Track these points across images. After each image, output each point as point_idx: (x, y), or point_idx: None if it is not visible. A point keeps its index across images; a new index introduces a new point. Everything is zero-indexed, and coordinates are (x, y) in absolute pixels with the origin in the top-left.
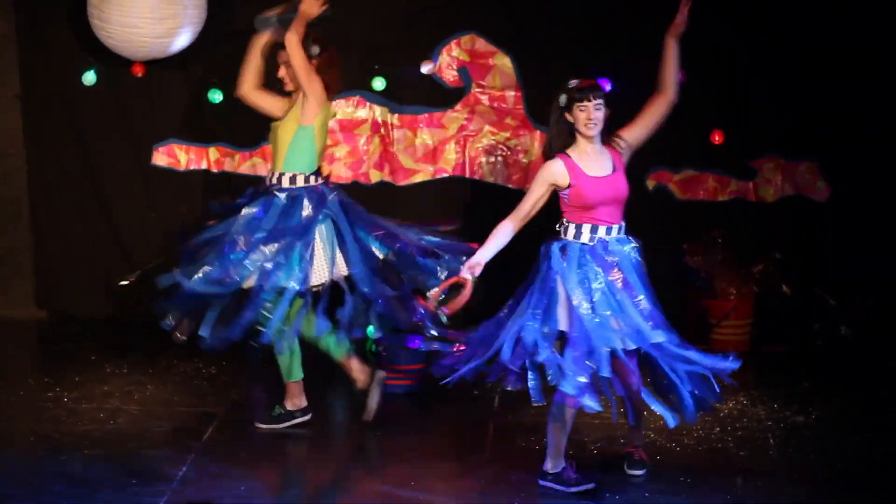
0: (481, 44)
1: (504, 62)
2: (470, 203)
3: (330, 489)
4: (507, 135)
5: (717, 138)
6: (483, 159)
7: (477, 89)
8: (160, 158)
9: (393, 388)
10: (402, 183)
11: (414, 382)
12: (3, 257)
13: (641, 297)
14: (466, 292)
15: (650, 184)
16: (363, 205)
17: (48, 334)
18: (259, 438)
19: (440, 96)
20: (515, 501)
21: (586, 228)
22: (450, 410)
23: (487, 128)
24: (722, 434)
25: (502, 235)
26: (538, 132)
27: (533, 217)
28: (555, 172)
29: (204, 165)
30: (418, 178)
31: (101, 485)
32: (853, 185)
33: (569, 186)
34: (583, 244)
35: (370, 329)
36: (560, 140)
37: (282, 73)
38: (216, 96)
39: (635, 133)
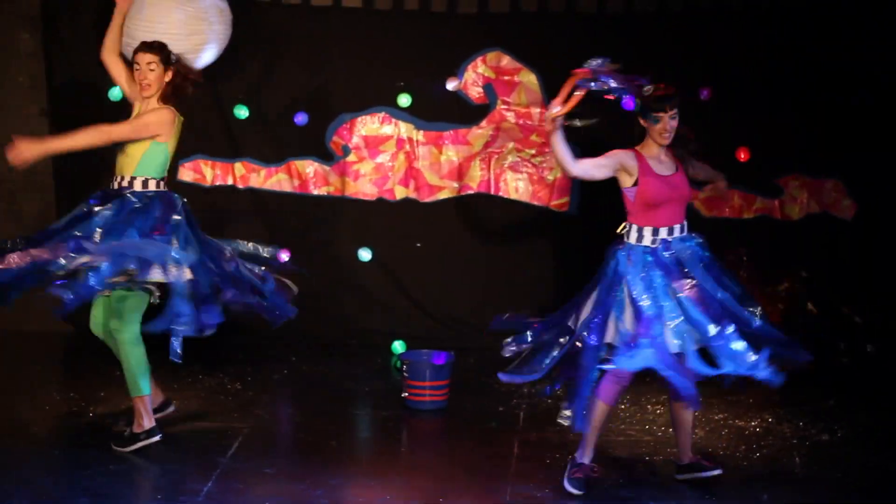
0: (507, 60)
1: (529, 79)
2: (495, 220)
3: None
4: (533, 152)
5: (742, 156)
6: (508, 176)
7: (502, 106)
8: (186, 174)
9: (419, 405)
10: (427, 199)
11: (440, 399)
12: None
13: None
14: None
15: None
16: (390, 221)
17: (74, 348)
18: (284, 453)
19: (465, 113)
20: None
21: (648, 231)
22: (475, 427)
23: (513, 144)
24: (747, 452)
25: (566, 158)
26: None
27: (584, 181)
28: (625, 157)
29: (230, 181)
30: (443, 195)
31: (125, 500)
32: (879, 203)
33: (635, 184)
34: (645, 247)
35: (395, 346)
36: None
37: (140, 76)
38: (242, 112)
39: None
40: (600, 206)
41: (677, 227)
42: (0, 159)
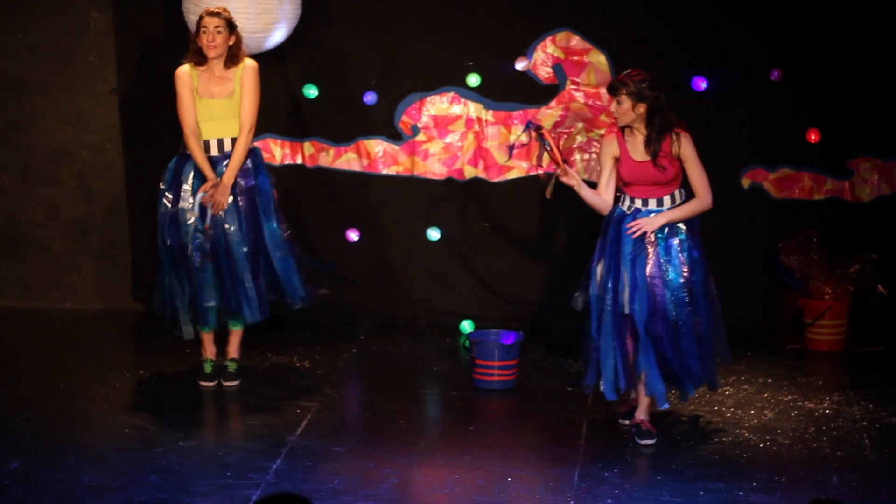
0: (576, 41)
1: (599, 59)
2: (563, 199)
3: (423, 483)
4: (602, 132)
5: (813, 137)
6: (577, 156)
7: (571, 86)
8: None
9: (487, 384)
10: (496, 179)
11: (508, 378)
12: (101, 251)
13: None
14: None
15: (745, 182)
16: (458, 200)
17: (144, 327)
18: (353, 432)
19: (535, 93)
20: (609, 499)
21: (627, 199)
22: (544, 407)
23: (582, 125)
24: (816, 434)
25: (595, 198)
26: None
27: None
28: (611, 149)
29: (299, 160)
30: (512, 175)
31: (194, 477)
32: None
33: (618, 160)
34: (621, 211)
35: (463, 326)
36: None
37: (209, 39)
38: (311, 91)
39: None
40: None
41: (652, 202)
42: (70, 138)
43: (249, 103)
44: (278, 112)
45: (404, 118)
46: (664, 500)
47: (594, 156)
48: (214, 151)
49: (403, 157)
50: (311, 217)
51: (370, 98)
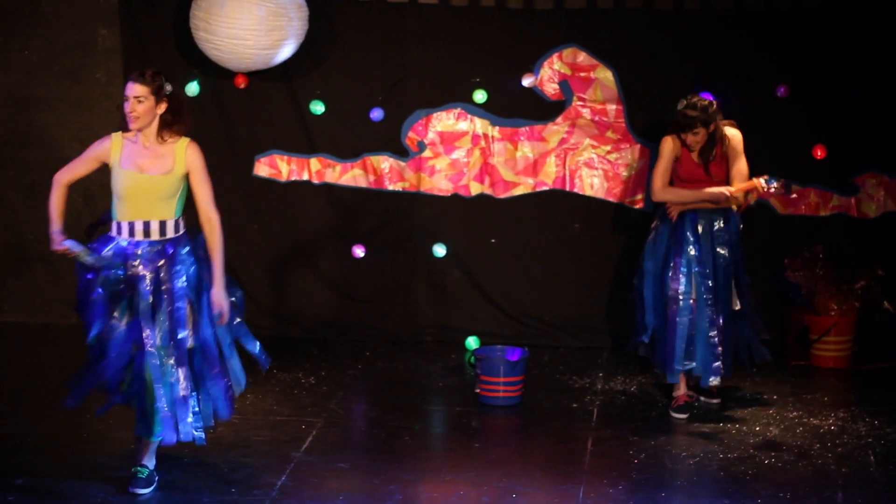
0: (583, 57)
1: (606, 75)
2: (570, 216)
3: (428, 500)
4: (608, 148)
5: (819, 153)
6: (584, 172)
7: (578, 102)
8: (262, 169)
9: (492, 401)
10: (502, 196)
11: (514, 395)
12: None
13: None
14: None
15: (751, 198)
16: (465, 216)
17: None
18: (358, 448)
19: (541, 109)
20: None
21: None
22: (549, 424)
23: (588, 141)
24: (822, 450)
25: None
26: (639, 146)
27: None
28: (674, 148)
29: (305, 176)
30: (518, 191)
31: (200, 493)
32: None
33: (677, 160)
34: (669, 218)
35: (469, 342)
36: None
37: (139, 108)
38: (318, 108)
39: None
40: None
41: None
42: (78, 154)
43: (208, 191)
44: (285, 128)
45: (411, 134)
46: None
47: (601, 173)
48: (139, 235)
49: (410, 174)
50: (317, 233)
51: (377, 114)
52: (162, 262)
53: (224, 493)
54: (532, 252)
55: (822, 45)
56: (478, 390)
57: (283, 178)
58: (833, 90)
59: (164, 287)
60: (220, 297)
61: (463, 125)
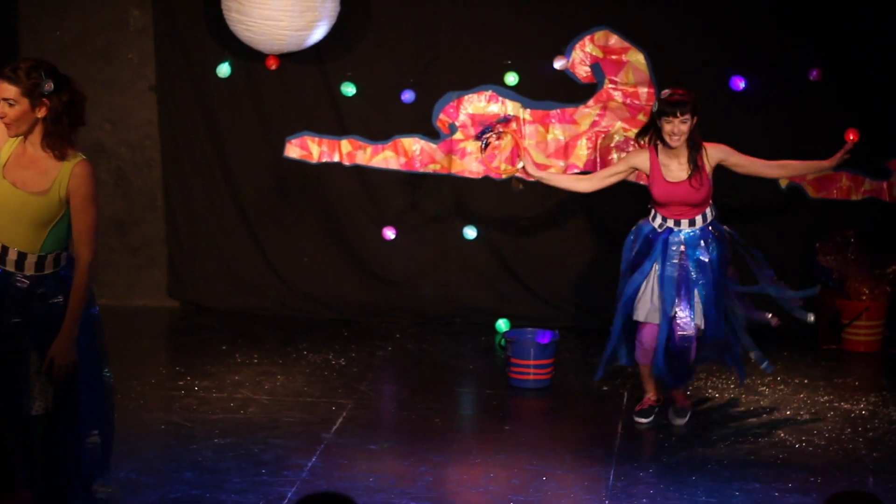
0: (615, 40)
1: (637, 58)
2: (600, 198)
3: (458, 482)
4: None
5: (851, 137)
6: (615, 156)
7: (610, 85)
8: (293, 150)
9: (523, 383)
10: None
11: (544, 377)
12: (138, 248)
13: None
14: (510, 170)
15: (783, 182)
16: (495, 199)
17: (180, 324)
18: (388, 430)
19: (573, 92)
20: (644, 499)
21: (658, 217)
22: (579, 407)
23: (620, 124)
24: (853, 435)
25: (569, 182)
26: None
27: (601, 189)
28: (638, 159)
29: (336, 158)
30: None
31: (230, 474)
32: None
33: (647, 180)
34: (653, 227)
35: (499, 324)
36: (649, 134)
37: (10, 113)
38: (349, 89)
39: (736, 164)
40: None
41: (685, 222)
42: (109, 135)
43: (86, 222)
44: (316, 110)
45: (442, 116)
46: (699, 501)
47: None
48: None
49: (441, 156)
50: (347, 215)
51: (408, 96)
52: (8, 301)
53: (254, 474)
54: (563, 235)
55: (856, 27)
56: (508, 373)
57: (314, 159)
58: (866, 73)
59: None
60: (57, 351)
61: (494, 108)
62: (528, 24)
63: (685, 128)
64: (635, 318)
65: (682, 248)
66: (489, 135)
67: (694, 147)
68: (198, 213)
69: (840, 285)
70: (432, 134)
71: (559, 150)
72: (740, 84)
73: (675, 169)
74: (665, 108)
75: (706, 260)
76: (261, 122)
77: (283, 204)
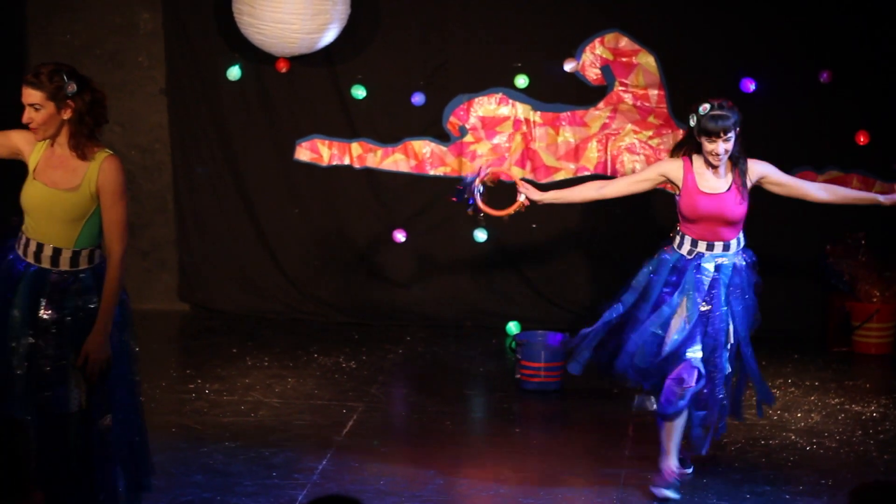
0: (625, 42)
1: (648, 60)
2: (611, 201)
3: (469, 485)
4: (650, 133)
5: (862, 139)
6: (625, 158)
7: (620, 88)
8: (303, 153)
9: (533, 386)
10: (544, 181)
11: (554, 380)
12: (148, 251)
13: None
14: (511, 208)
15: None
16: (505, 202)
17: (190, 327)
18: (399, 433)
19: (583, 94)
20: (654, 501)
21: (687, 241)
22: (590, 409)
23: (630, 126)
24: (864, 437)
25: (587, 191)
26: (681, 131)
27: (623, 197)
28: (670, 168)
29: (346, 161)
30: (560, 176)
31: (241, 477)
32: None
33: (678, 193)
34: (681, 255)
35: (510, 327)
36: (686, 148)
37: (37, 118)
38: (359, 92)
39: (778, 182)
40: None
41: (719, 245)
42: (120, 138)
43: (117, 216)
44: (326, 113)
45: (452, 119)
46: (710, 503)
47: (642, 158)
48: (31, 258)
49: (451, 158)
50: (358, 218)
51: (418, 99)
52: (44, 297)
53: (265, 477)
54: (573, 237)
55: (866, 29)
56: (518, 375)
57: (325, 162)
58: (877, 75)
59: (50, 329)
60: (92, 347)
61: (504, 110)
62: (537, 26)
63: (729, 146)
64: (664, 353)
65: (717, 277)
66: (467, 194)
67: (738, 158)
68: (207, 216)
69: (851, 288)
70: (442, 137)
71: (569, 152)
72: (751, 86)
73: (713, 179)
74: (707, 126)
75: (743, 293)
76: (271, 125)
77: (293, 207)
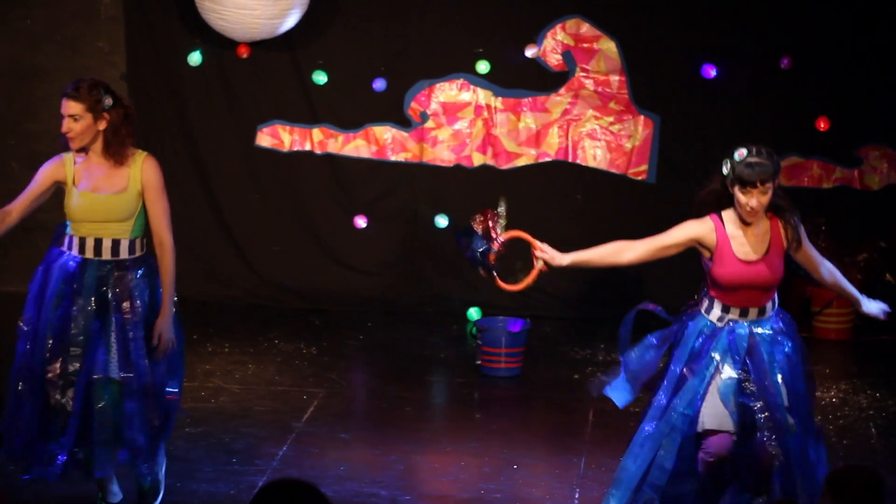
0: (586, 28)
1: (609, 46)
2: (572, 187)
3: (429, 470)
4: (611, 119)
5: (822, 125)
6: (587, 143)
7: (581, 73)
8: (264, 139)
9: (494, 371)
10: (505, 167)
11: (515, 366)
12: None
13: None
14: (529, 278)
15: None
16: (467, 187)
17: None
18: (359, 419)
19: (544, 80)
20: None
21: (718, 306)
22: (550, 395)
23: (591, 112)
24: (823, 422)
25: (608, 255)
26: (642, 117)
27: (653, 260)
28: (700, 231)
29: (308, 147)
30: (521, 162)
31: (201, 463)
32: None
33: (710, 258)
34: (710, 323)
35: (470, 313)
36: (715, 202)
37: (76, 128)
38: (320, 78)
39: (803, 251)
40: (679, 174)
41: (753, 311)
42: None
43: (162, 211)
44: (287, 98)
45: (413, 105)
46: None
47: (603, 143)
48: (90, 253)
49: (412, 144)
50: (319, 203)
51: (379, 84)
52: (107, 285)
53: (225, 463)
54: (534, 223)
55: (827, 15)
56: (479, 361)
57: (286, 148)
58: (837, 62)
59: (113, 312)
60: (163, 327)
61: (465, 96)
62: (499, 12)
63: (765, 200)
64: (701, 428)
65: (754, 345)
66: (481, 265)
67: (784, 211)
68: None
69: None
70: (404, 122)
71: (531, 138)
72: (711, 72)
73: (749, 242)
74: (743, 175)
75: (786, 358)
76: (232, 110)
77: (254, 193)
